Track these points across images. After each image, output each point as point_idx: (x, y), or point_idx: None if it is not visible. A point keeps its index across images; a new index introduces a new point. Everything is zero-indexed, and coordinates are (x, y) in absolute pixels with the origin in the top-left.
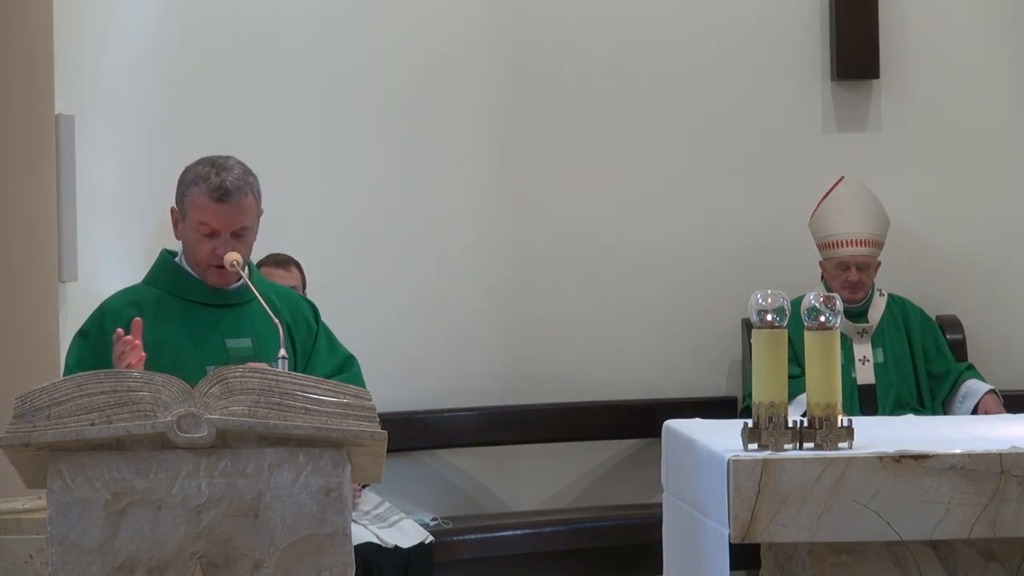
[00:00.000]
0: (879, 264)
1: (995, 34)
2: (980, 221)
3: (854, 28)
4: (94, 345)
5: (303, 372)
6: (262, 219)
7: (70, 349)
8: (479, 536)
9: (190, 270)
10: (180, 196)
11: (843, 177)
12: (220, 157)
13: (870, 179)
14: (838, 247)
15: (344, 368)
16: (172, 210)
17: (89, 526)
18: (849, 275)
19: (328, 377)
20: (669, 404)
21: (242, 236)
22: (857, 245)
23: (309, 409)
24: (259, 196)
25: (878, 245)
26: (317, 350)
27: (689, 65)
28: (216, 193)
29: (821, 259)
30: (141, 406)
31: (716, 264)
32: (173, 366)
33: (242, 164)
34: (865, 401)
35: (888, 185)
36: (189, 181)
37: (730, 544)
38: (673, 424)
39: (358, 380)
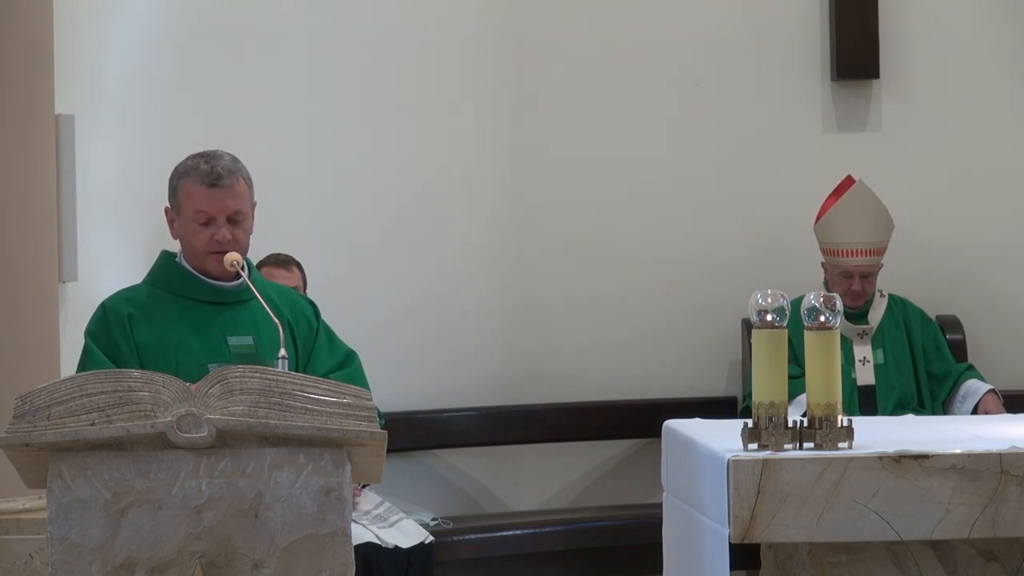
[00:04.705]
0: (881, 266)
1: (994, 34)
2: (980, 221)
3: (854, 28)
4: (102, 344)
5: (304, 370)
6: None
7: (84, 352)
8: (479, 536)
9: (190, 269)
10: (172, 191)
11: (850, 176)
12: (208, 150)
13: (870, 179)
14: (843, 256)
15: (345, 364)
16: (166, 210)
17: (89, 526)
18: (852, 283)
19: (329, 373)
20: (669, 404)
21: (238, 222)
22: (862, 255)
23: (309, 409)
24: (251, 184)
25: (882, 252)
26: (318, 347)
27: (689, 65)
28: (208, 179)
29: (824, 261)
30: (141, 406)
31: (716, 264)
32: (175, 363)
33: (231, 154)
34: (865, 402)
35: (888, 185)
36: (179, 174)
37: (730, 544)
38: (673, 424)
39: (359, 375)
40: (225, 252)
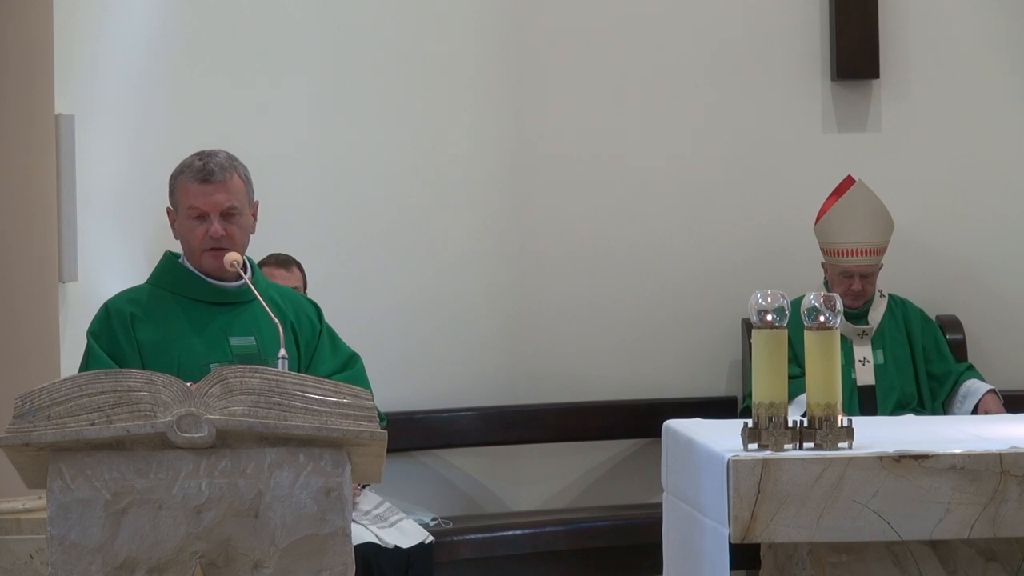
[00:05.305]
0: (881, 266)
1: (995, 34)
2: (980, 221)
3: (854, 28)
4: (105, 344)
5: (307, 371)
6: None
7: (87, 352)
8: (479, 536)
9: (193, 269)
10: (171, 191)
11: (850, 176)
12: (205, 149)
13: (870, 179)
14: (843, 255)
15: (348, 366)
16: (168, 210)
17: (89, 526)
18: (852, 283)
19: (332, 375)
20: (669, 404)
21: (232, 217)
22: (862, 255)
23: (309, 409)
24: (249, 182)
25: (882, 252)
26: (320, 349)
27: (689, 65)
28: (200, 175)
29: (824, 261)
30: (141, 406)
31: (716, 264)
32: (177, 363)
33: (229, 153)
34: (865, 402)
35: (888, 185)
36: (176, 173)
37: (730, 544)
38: (673, 424)
39: (361, 378)
40: (221, 248)
